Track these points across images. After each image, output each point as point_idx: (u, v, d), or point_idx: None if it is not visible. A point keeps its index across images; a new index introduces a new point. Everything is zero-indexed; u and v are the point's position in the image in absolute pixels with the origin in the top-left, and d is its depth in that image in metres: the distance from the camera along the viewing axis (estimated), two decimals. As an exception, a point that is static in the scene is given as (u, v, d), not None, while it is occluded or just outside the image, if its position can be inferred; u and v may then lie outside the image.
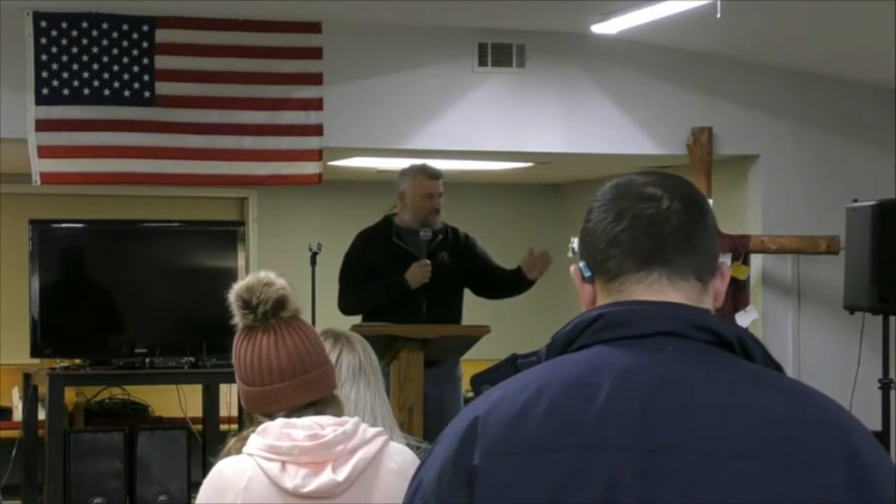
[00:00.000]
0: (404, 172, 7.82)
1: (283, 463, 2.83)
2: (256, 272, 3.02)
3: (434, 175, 7.76)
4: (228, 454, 2.94)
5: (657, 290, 1.96)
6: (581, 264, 2.04)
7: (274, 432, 2.86)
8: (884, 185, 8.88)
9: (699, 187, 9.46)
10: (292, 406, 2.92)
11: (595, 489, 1.80)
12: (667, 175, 2.04)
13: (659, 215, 1.97)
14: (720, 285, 2.01)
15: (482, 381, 2.04)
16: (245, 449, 2.89)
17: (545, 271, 7.77)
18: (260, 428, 2.89)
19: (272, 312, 2.94)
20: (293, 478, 2.82)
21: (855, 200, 8.33)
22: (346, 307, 7.60)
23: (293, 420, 2.88)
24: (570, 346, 1.95)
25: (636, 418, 1.83)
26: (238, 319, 2.98)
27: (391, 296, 7.42)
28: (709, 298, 2.00)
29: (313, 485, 2.82)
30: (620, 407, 1.84)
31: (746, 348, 1.93)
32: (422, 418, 7.06)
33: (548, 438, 1.84)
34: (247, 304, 2.95)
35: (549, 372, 1.92)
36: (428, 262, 7.47)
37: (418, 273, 7.42)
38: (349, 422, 2.89)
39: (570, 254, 9.26)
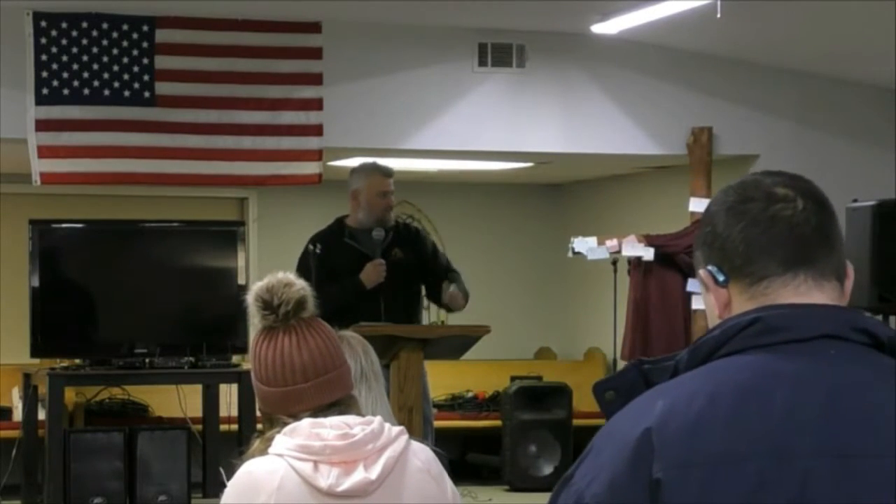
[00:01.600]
0: (356, 171, 7.69)
1: (316, 463, 2.84)
2: (274, 273, 3.02)
3: (388, 173, 7.65)
4: (253, 455, 2.94)
5: (804, 292, 1.94)
6: (711, 269, 1.97)
7: (303, 432, 2.87)
8: (884, 185, 8.88)
9: (699, 187, 9.45)
10: (316, 406, 2.93)
11: (788, 497, 1.79)
12: (793, 175, 2.02)
13: (798, 216, 1.94)
14: (849, 285, 2.00)
15: (606, 388, 2.00)
16: (272, 449, 2.89)
17: (456, 307, 7.66)
18: (287, 428, 2.90)
19: (293, 313, 2.95)
20: (326, 477, 2.83)
21: (855, 200, 8.33)
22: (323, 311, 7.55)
23: (321, 420, 2.89)
24: (719, 351, 1.91)
25: (819, 424, 1.82)
26: (257, 321, 2.98)
27: (348, 297, 7.34)
28: (845, 299, 1.99)
29: (347, 484, 2.84)
30: (802, 413, 1.83)
31: (895, 348, 1.92)
32: (422, 418, 7.06)
33: (735, 448, 1.81)
34: (268, 305, 2.95)
35: (715, 378, 1.87)
36: (382, 261, 7.41)
37: (373, 273, 7.37)
38: (374, 421, 2.91)
39: (570, 254, 9.26)
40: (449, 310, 7.82)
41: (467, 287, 7.81)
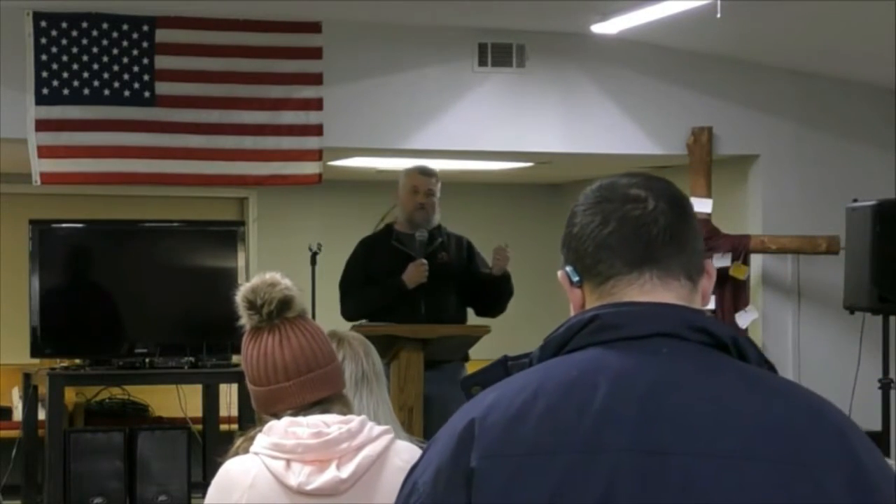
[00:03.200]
0: (401, 172, 7.87)
1: (288, 461, 2.85)
2: (262, 273, 3.03)
3: (423, 171, 7.75)
4: (236, 454, 2.96)
5: (649, 290, 1.97)
6: (568, 269, 2.04)
7: (279, 431, 2.88)
8: (884, 185, 8.88)
9: (699, 187, 9.45)
10: (298, 405, 2.93)
11: (594, 491, 1.80)
12: (650, 176, 2.05)
13: (646, 216, 1.97)
14: (707, 284, 2.02)
15: (472, 383, 2.05)
16: (252, 448, 2.90)
17: (504, 265, 7.69)
18: (266, 426, 2.91)
19: (277, 313, 2.96)
20: (297, 475, 2.83)
21: (855, 200, 8.33)
22: (347, 312, 7.62)
23: (299, 419, 2.90)
24: (564, 348, 1.95)
25: (634, 420, 1.84)
26: (244, 320, 3.00)
27: (389, 297, 7.42)
28: (698, 297, 2.01)
29: (317, 482, 2.83)
30: (618, 409, 1.85)
31: (741, 349, 1.93)
32: (422, 418, 7.07)
33: (546, 441, 1.84)
34: (252, 305, 2.97)
35: (545, 374, 1.92)
36: (424, 261, 7.47)
37: (414, 273, 7.42)
38: (355, 420, 2.90)
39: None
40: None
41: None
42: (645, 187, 2.00)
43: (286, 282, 3.00)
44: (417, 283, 7.42)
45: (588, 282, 2.01)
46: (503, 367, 2.03)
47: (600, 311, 1.95)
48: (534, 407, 1.87)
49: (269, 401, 2.96)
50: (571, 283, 2.03)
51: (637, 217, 1.97)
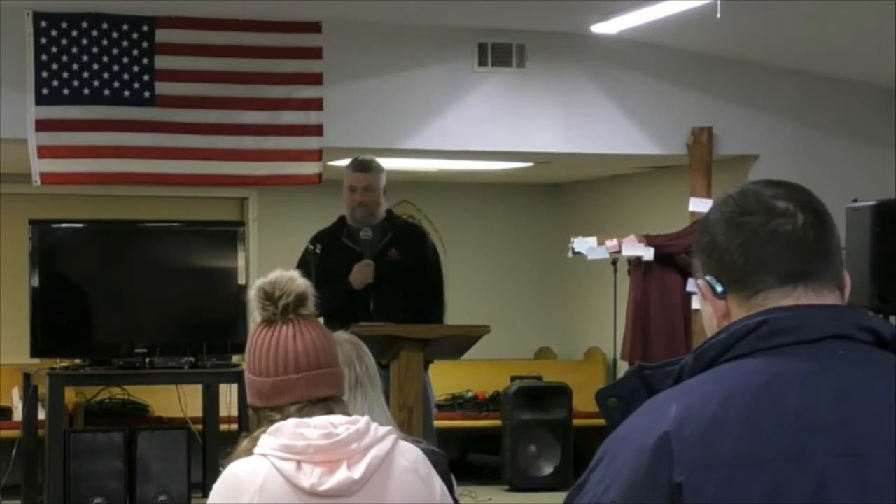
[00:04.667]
0: None
1: (299, 462, 2.84)
2: (279, 270, 3.04)
3: (357, 167, 7.48)
4: (239, 455, 2.95)
5: (804, 302, 1.96)
6: (709, 279, 2.00)
7: (287, 432, 2.87)
8: (884, 185, 8.88)
9: (699, 187, 9.45)
10: (303, 399, 2.93)
11: (803, 498, 1.81)
12: (790, 185, 2.03)
13: (797, 231, 1.96)
14: (847, 294, 2.02)
15: (610, 395, 2.01)
16: (257, 449, 2.89)
17: (359, 279, 7.48)
18: (272, 428, 2.90)
19: (293, 307, 2.96)
20: (309, 476, 2.83)
21: (855, 200, 8.33)
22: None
23: (306, 420, 2.89)
24: (725, 355, 1.92)
25: (831, 424, 1.84)
26: (258, 314, 2.99)
27: (339, 299, 7.29)
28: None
29: (330, 483, 2.83)
30: (813, 414, 1.85)
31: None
32: (421, 418, 7.06)
33: (750, 451, 1.83)
34: (269, 297, 2.97)
35: (726, 382, 1.89)
36: (370, 262, 7.36)
37: (359, 274, 7.31)
38: (361, 420, 2.90)
39: (570, 254, 9.26)
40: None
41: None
42: (792, 200, 1.98)
43: (304, 280, 3.01)
44: (364, 283, 7.33)
45: (735, 294, 1.98)
46: (640, 377, 1.99)
47: (768, 315, 1.92)
48: (729, 417, 1.84)
49: (274, 392, 2.96)
50: (715, 293, 1.99)
51: (789, 232, 1.96)
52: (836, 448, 1.83)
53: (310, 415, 2.91)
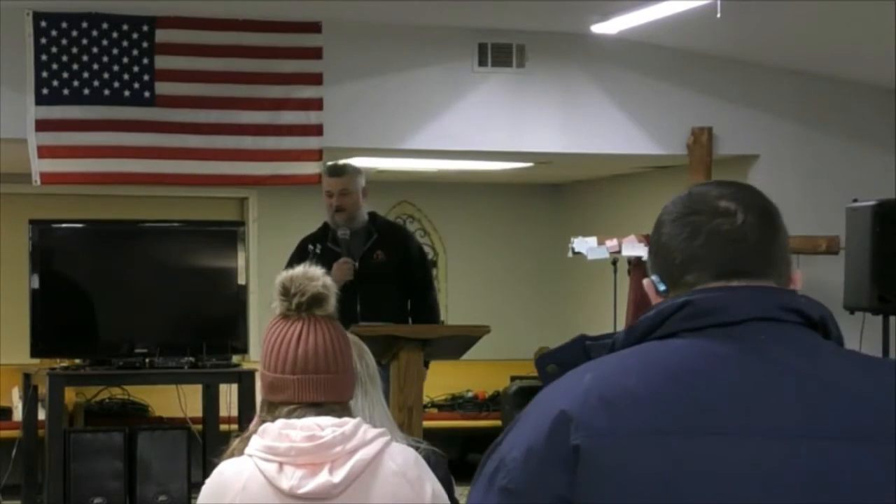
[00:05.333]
0: None
1: (281, 464, 2.84)
2: (307, 265, 3.04)
3: (332, 172, 7.60)
4: (232, 455, 2.95)
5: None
6: (654, 278, 2.04)
7: (272, 433, 2.87)
8: (884, 185, 8.88)
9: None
10: (295, 401, 2.93)
11: (712, 474, 1.83)
12: (740, 186, 2.06)
13: (736, 231, 1.99)
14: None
15: (549, 361, 2.05)
16: (246, 450, 2.90)
17: (336, 278, 7.47)
18: (260, 429, 2.90)
19: (306, 306, 2.96)
20: (290, 479, 2.83)
21: (855, 200, 8.33)
22: None
23: (293, 421, 2.89)
24: (653, 333, 1.96)
25: (743, 405, 1.86)
26: (276, 305, 3.00)
27: None
28: None
29: (309, 486, 2.82)
30: (726, 394, 1.87)
31: (826, 327, 1.97)
32: (422, 418, 7.06)
33: (654, 423, 1.85)
34: (286, 292, 2.97)
35: (644, 358, 1.92)
36: (348, 260, 7.39)
37: (338, 273, 7.31)
38: (350, 423, 2.89)
39: (570, 254, 9.26)
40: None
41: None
42: (735, 199, 2.01)
43: (326, 280, 3.00)
44: (343, 281, 7.34)
45: (674, 291, 2.01)
46: (580, 347, 2.03)
47: (693, 296, 1.96)
48: (638, 389, 1.87)
49: (272, 388, 2.97)
50: (657, 292, 2.03)
51: (727, 231, 1.98)
52: (740, 428, 1.84)
53: (301, 417, 2.90)
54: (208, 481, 2.93)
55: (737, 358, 1.89)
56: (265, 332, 3.02)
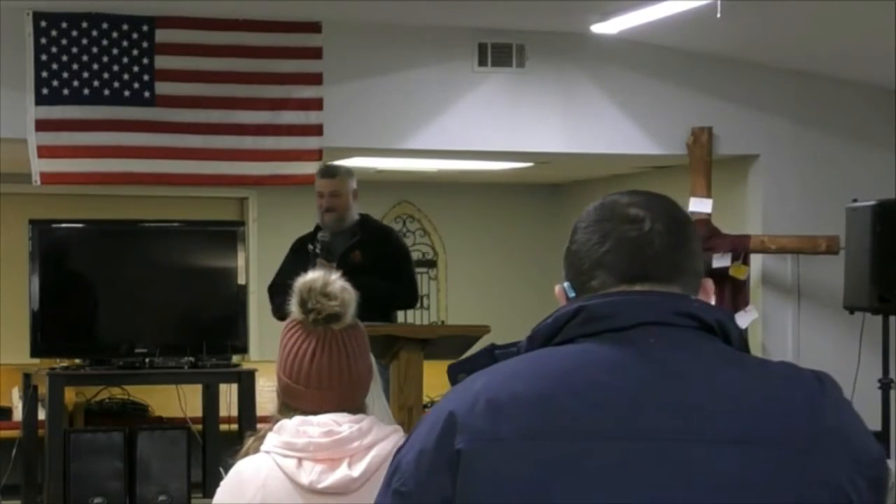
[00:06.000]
0: None
1: (300, 459, 2.86)
2: (327, 273, 3.03)
3: (324, 173, 7.64)
4: (247, 454, 2.97)
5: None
6: (566, 284, 2.06)
7: (290, 430, 2.89)
8: (884, 185, 8.88)
9: (699, 187, 9.42)
10: (309, 411, 2.96)
11: (586, 475, 1.84)
12: (651, 195, 2.09)
13: (642, 237, 2.00)
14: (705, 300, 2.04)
15: (459, 370, 2.08)
16: (262, 447, 2.91)
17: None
18: (277, 426, 2.92)
19: (323, 322, 2.97)
20: (309, 474, 2.85)
21: (855, 200, 8.33)
22: (274, 313, 7.59)
23: (310, 418, 2.91)
24: (553, 340, 1.98)
25: (625, 408, 1.87)
26: (294, 311, 3.01)
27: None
28: None
29: (329, 481, 2.85)
30: (609, 397, 1.88)
31: (726, 331, 1.97)
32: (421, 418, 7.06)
33: (536, 427, 1.87)
34: (303, 305, 2.98)
35: (534, 363, 1.95)
36: (324, 262, 7.38)
37: None
38: (365, 419, 2.92)
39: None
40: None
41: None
42: (644, 207, 2.04)
43: (344, 295, 3.00)
44: None
45: (581, 296, 2.02)
46: (490, 355, 2.06)
47: (586, 302, 1.97)
48: (526, 394, 1.89)
49: (289, 394, 3.00)
50: (568, 298, 2.04)
51: (633, 238, 2.00)
52: (623, 431, 1.85)
53: (315, 414, 2.94)
54: (226, 480, 2.94)
55: (623, 361, 1.91)
56: (283, 333, 3.04)
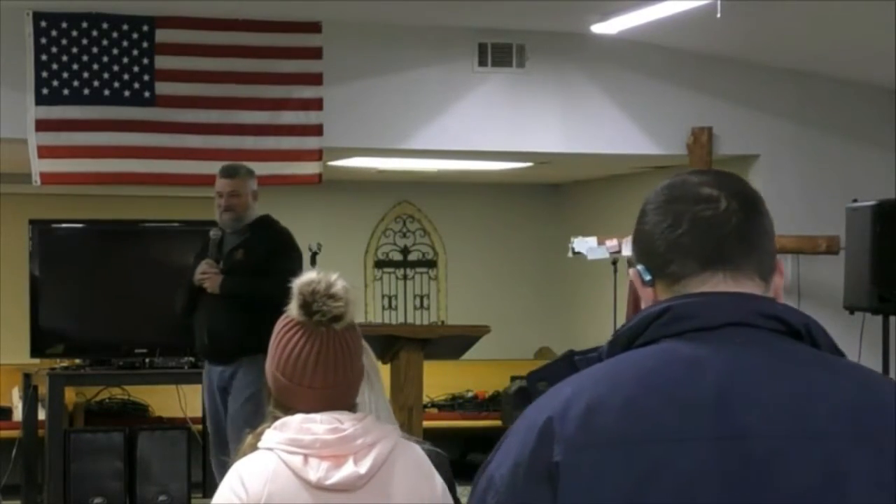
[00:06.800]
0: None
1: (306, 456, 2.87)
2: (327, 273, 3.02)
3: (223, 173, 7.55)
4: (245, 452, 2.97)
5: (722, 287, 1.98)
6: (640, 268, 2.03)
7: (294, 426, 2.90)
8: (884, 185, 8.88)
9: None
10: (307, 410, 2.96)
11: (680, 478, 1.83)
12: (721, 173, 2.05)
13: (718, 217, 1.98)
14: (780, 281, 2.03)
15: (539, 378, 2.06)
16: (262, 444, 2.91)
17: (206, 285, 7.39)
18: (278, 423, 2.92)
19: (326, 323, 2.97)
20: (316, 470, 2.86)
21: (855, 200, 8.33)
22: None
23: (312, 416, 2.92)
24: (636, 342, 1.96)
25: (714, 409, 1.86)
26: (292, 307, 2.99)
27: (185, 296, 7.43)
28: (770, 295, 2.02)
29: (336, 477, 2.86)
30: (697, 398, 1.87)
31: (813, 335, 1.96)
32: (422, 418, 7.07)
33: (630, 431, 1.86)
34: (306, 307, 2.96)
35: (620, 367, 1.93)
36: (205, 262, 7.40)
37: (196, 274, 7.41)
38: (366, 417, 2.93)
39: (570, 254, 9.26)
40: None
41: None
42: (717, 186, 2.00)
43: (347, 296, 3.00)
44: (200, 283, 7.37)
45: (660, 281, 2.01)
46: (569, 362, 2.03)
47: (672, 302, 1.96)
48: (613, 399, 1.88)
49: (286, 393, 2.98)
50: (643, 282, 2.02)
51: (709, 217, 1.97)
52: (715, 431, 1.85)
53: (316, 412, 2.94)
54: (227, 480, 2.94)
55: (709, 360, 1.90)
56: (279, 333, 3.01)
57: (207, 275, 7.38)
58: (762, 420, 1.86)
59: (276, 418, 2.95)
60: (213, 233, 7.53)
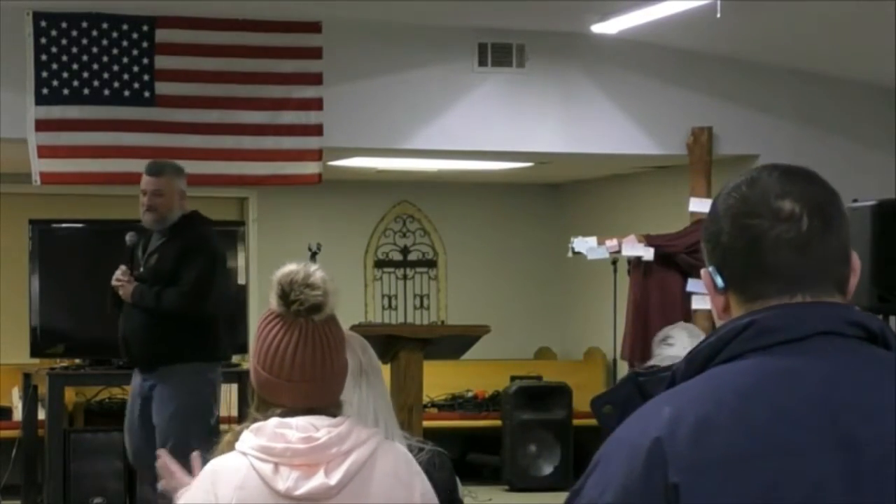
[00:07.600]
0: None
1: (276, 464, 2.83)
2: (307, 265, 2.99)
3: (149, 171, 7.25)
4: (222, 451, 2.94)
5: (799, 300, 1.97)
6: (711, 269, 2.00)
7: (268, 432, 2.86)
8: (884, 185, 8.88)
9: (699, 187, 9.42)
10: (289, 405, 2.92)
11: (803, 490, 1.83)
12: (797, 175, 2.00)
13: (800, 238, 1.94)
14: (854, 281, 2.01)
15: (604, 402, 2.04)
16: (238, 446, 2.88)
17: (120, 293, 7.28)
18: (254, 426, 2.88)
19: (305, 314, 2.94)
20: (285, 480, 2.82)
21: (855, 200, 8.33)
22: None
23: (288, 420, 2.87)
24: (716, 358, 1.94)
25: (822, 419, 1.86)
26: (272, 300, 2.97)
27: (114, 301, 7.33)
28: (849, 296, 2.02)
29: (305, 488, 2.82)
30: (804, 410, 1.86)
31: (886, 339, 1.96)
32: (422, 418, 7.07)
33: (744, 448, 1.84)
34: (284, 297, 2.93)
35: (716, 383, 1.91)
36: (119, 268, 7.26)
37: (112, 280, 7.28)
38: (344, 423, 2.88)
39: (570, 254, 9.26)
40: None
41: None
42: (797, 197, 1.96)
43: (325, 286, 2.95)
44: (115, 289, 7.29)
45: (735, 293, 1.98)
46: (633, 384, 2.01)
47: (755, 315, 1.93)
48: (720, 416, 1.86)
49: (267, 387, 2.95)
50: (716, 288, 2.00)
51: (791, 240, 1.94)
52: (828, 441, 1.84)
53: (294, 415, 2.89)
54: (200, 478, 2.92)
55: (806, 371, 1.89)
56: (260, 326, 2.98)
57: (121, 282, 7.22)
58: (869, 427, 1.85)
59: (255, 420, 2.91)
60: (129, 237, 7.30)
